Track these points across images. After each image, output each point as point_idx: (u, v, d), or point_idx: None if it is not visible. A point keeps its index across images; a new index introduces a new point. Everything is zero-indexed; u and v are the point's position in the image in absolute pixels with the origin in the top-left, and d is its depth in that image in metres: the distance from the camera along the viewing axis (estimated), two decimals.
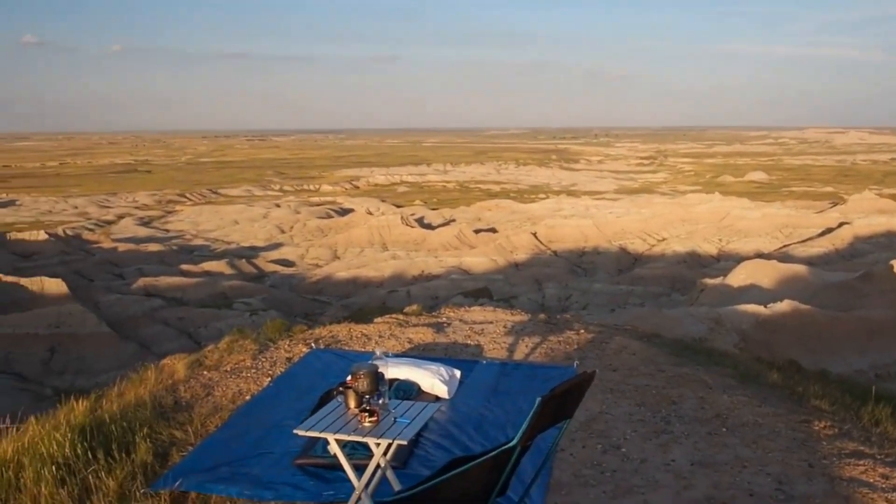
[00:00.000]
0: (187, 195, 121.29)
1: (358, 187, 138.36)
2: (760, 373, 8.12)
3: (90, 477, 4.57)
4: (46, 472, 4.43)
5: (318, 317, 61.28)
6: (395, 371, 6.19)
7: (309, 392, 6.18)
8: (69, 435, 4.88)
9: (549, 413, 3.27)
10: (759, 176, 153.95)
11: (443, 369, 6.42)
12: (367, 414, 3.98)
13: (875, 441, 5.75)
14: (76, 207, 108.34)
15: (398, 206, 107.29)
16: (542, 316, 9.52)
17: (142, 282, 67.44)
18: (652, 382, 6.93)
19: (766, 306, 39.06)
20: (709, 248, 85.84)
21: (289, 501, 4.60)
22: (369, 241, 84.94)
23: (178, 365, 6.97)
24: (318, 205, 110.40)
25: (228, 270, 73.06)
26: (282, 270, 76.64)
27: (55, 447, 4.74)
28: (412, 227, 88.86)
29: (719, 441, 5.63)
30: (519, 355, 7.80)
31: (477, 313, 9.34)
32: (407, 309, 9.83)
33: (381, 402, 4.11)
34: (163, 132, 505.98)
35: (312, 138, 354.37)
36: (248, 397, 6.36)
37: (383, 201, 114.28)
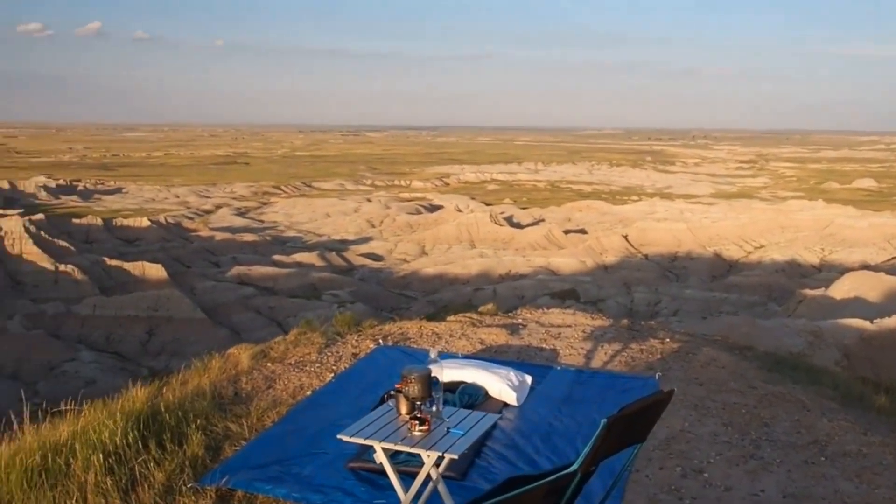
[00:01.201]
0: (282, 187, 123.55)
1: (448, 184, 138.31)
2: (865, 395, 7.43)
3: (138, 467, 4.44)
4: (95, 460, 4.32)
5: (404, 311, 61.53)
6: (461, 374, 5.92)
7: (371, 390, 5.96)
8: (122, 422, 4.76)
9: (616, 436, 2.89)
10: (867, 183, 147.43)
11: (513, 374, 6.09)
12: (417, 422, 3.67)
13: None
14: (178, 196, 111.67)
15: (487, 205, 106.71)
16: (624, 321, 9.04)
17: (236, 270, 69.12)
18: (741, 400, 6.40)
19: (872, 321, 37.00)
20: (810, 257, 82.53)
21: None
22: (457, 238, 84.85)
23: (242, 355, 6.84)
24: (409, 201, 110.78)
25: (319, 262, 74.13)
26: (370, 264, 77.30)
27: (107, 435, 4.62)
28: (501, 225, 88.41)
29: (817, 471, 5.07)
30: (596, 363, 7.38)
31: (555, 316, 8.95)
32: (482, 308, 9.51)
33: (433, 409, 3.79)
34: (261, 126, 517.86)
35: (405, 135, 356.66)
36: (308, 392, 6.18)
37: (473, 199, 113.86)
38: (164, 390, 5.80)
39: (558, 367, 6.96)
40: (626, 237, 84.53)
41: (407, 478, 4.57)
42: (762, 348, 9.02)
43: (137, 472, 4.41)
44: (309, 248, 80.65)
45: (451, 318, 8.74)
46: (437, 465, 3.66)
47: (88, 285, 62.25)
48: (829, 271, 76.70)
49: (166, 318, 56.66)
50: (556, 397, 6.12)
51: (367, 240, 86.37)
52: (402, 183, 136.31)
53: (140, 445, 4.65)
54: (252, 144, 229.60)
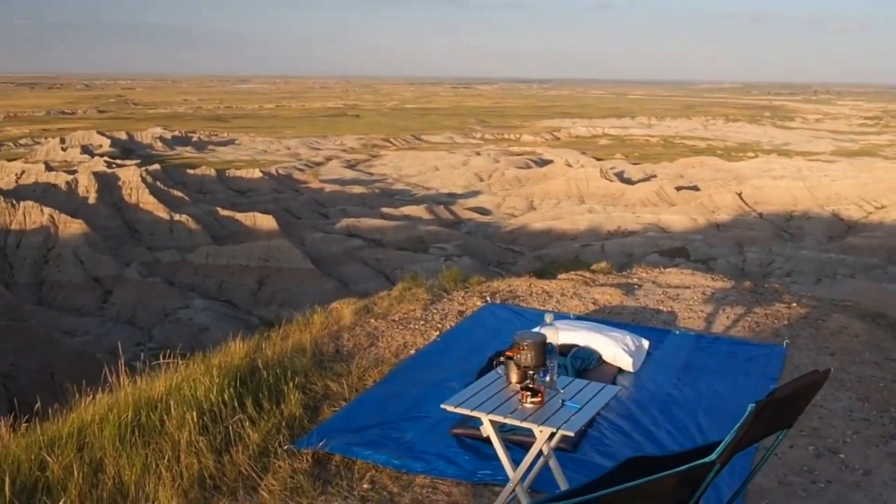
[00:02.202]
0: (391, 140, 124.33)
1: (558, 138, 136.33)
2: None
3: (234, 426, 4.33)
4: (190, 418, 4.22)
5: (511, 266, 61.44)
6: (573, 336, 5.60)
7: (479, 351, 5.69)
8: (219, 379, 4.66)
9: (763, 422, 2.53)
10: None
11: (629, 338, 5.73)
12: (529, 393, 3.34)
13: None
14: (289, 148, 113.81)
15: (598, 160, 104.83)
16: (747, 283, 8.46)
17: (344, 222, 70.26)
18: (879, 374, 5.82)
19: None
20: None
21: (438, 477, 4.16)
22: (566, 193, 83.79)
23: (345, 310, 6.67)
24: (518, 154, 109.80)
25: (426, 215, 74.56)
26: (478, 218, 77.28)
27: (203, 391, 4.53)
28: (611, 180, 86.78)
29: None
30: (718, 328, 6.90)
31: (672, 276, 8.45)
32: (594, 266, 9.09)
33: (547, 379, 3.49)
34: (371, 78, 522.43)
35: (516, 87, 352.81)
36: (412, 351, 5.95)
37: (583, 153, 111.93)
38: (264, 346, 5.69)
39: (676, 332, 6.53)
40: (739, 195, 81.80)
41: (514, 448, 4.33)
42: (894, 316, 8.32)
43: (232, 432, 4.31)
44: (417, 201, 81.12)
45: (563, 276, 8.36)
46: (548, 440, 3.38)
47: (201, 235, 64.47)
48: None
49: (276, 269, 58.14)
50: (675, 364, 5.75)
51: (475, 193, 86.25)
52: (512, 136, 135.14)
53: (236, 403, 4.54)
54: (362, 97, 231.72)
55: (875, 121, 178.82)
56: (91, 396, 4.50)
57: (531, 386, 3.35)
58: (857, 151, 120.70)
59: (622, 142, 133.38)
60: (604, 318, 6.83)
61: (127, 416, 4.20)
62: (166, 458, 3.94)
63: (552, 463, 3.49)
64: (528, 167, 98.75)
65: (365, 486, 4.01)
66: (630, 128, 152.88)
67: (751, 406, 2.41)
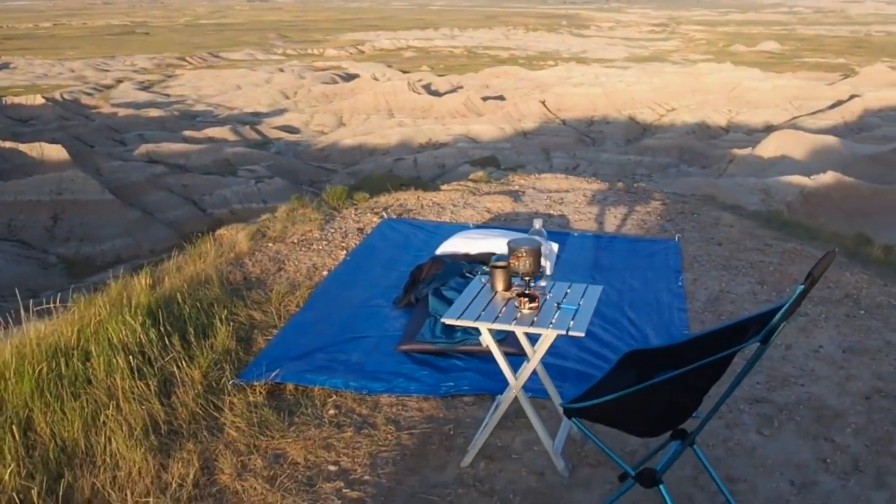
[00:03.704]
0: (187, 59, 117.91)
1: (363, 52, 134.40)
2: (858, 248, 7.44)
3: (169, 367, 3.94)
4: (119, 362, 3.79)
5: (324, 184, 60.64)
6: (488, 244, 5.57)
7: (392, 267, 5.62)
8: (139, 318, 4.22)
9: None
10: (771, 46, 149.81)
11: (541, 242, 5.74)
12: (527, 299, 3.25)
13: None
14: (73, 71, 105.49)
15: (405, 72, 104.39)
16: (619, 184, 8.76)
17: (144, 148, 66.31)
18: (765, 259, 6.23)
19: (812, 178, 38.19)
20: (718, 118, 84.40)
21: (402, 394, 4.00)
22: (375, 107, 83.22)
23: (238, 236, 6.26)
24: (323, 70, 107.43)
25: (232, 137, 71.88)
26: (286, 137, 75.45)
27: (125, 332, 4.08)
28: (419, 93, 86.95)
29: (861, 325, 5.00)
30: (610, 227, 7.09)
31: (549, 181, 8.57)
32: (472, 176, 9.13)
33: (541, 283, 3.41)
34: None
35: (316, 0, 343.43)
36: (324, 273, 5.70)
37: (389, 67, 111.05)
38: (165, 279, 5.20)
39: (575, 233, 6.66)
40: (543, 103, 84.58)
41: (471, 358, 4.26)
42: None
43: (169, 373, 3.92)
44: (220, 122, 77.97)
45: (446, 187, 8.35)
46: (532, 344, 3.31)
47: None
48: (736, 132, 79.06)
49: (72, 202, 53.95)
50: (584, 265, 5.86)
51: (281, 112, 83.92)
52: (315, 51, 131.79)
53: (166, 342, 4.15)
54: (151, 13, 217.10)
55: (662, 27, 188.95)
56: None
57: (528, 292, 3.24)
58: (647, 57, 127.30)
59: (427, 54, 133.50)
60: (502, 224, 6.82)
61: (42, 367, 3.70)
62: (109, 408, 3.52)
63: (539, 368, 3.42)
64: (335, 82, 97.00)
65: (331, 411, 3.85)
66: (434, 39, 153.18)
67: (799, 288, 2.45)
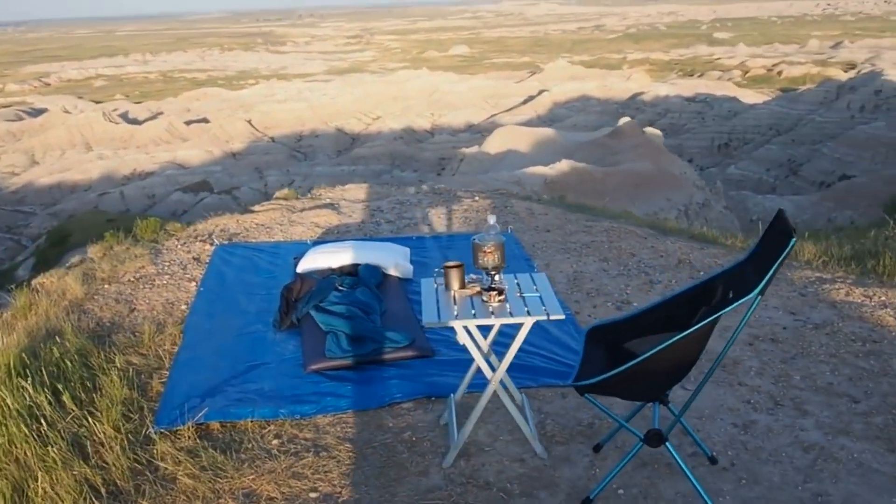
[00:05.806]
0: None
1: (49, 84, 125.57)
2: (656, 221, 8.11)
3: (76, 427, 3.43)
4: (21, 430, 3.22)
5: (25, 228, 55.65)
6: (349, 255, 5.65)
7: (253, 291, 5.55)
8: (24, 381, 3.64)
9: None
10: (462, 50, 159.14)
11: (395, 248, 5.75)
12: (495, 293, 3.25)
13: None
14: None
15: (98, 102, 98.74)
16: (424, 187, 8.87)
17: None
18: (595, 239, 6.61)
19: (549, 167, 40.85)
20: (422, 122, 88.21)
21: (337, 413, 3.77)
22: (70, 142, 77.99)
23: (65, 280, 5.54)
24: (5, 106, 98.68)
25: None
26: None
27: (12, 399, 3.47)
28: (116, 123, 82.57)
29: None
30: (440, 227, 7.19)
31: (356, 191, 8.55)
32: (279, 194, 8.81)
33: (498, 277, 3.38)
34: None
35: None
36: (183, 307, 5.30)
37: (80, 98, 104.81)
38: (2, 337, 4.47)
39: (414, 237, 6.71)
40: (249, 122, 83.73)
41: (389, 366, 4.34)
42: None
43: (76, 434, 3.39)
44: None
45: (259, 207, 7.96)
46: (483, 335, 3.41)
47: None
48: (441, 133, 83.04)
49: None
50: (438, 265, 5.83)
51: None
52: None
53: (62, 402, 3.60)
54: None
55: (357, 39, 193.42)
56: None
57: (494, 286, 3.20)
58: (347, 69, 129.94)
59: (120, 81, 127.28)
60: (337, 237, 6.69)
61: None
62: (36, 491, 2.96)
63: (493, 357, 3.39)
64: (21, 119, 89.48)
65: (274, 441, 3.60)
66: (125, 65, 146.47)
67: (792, 241, 2.66)
